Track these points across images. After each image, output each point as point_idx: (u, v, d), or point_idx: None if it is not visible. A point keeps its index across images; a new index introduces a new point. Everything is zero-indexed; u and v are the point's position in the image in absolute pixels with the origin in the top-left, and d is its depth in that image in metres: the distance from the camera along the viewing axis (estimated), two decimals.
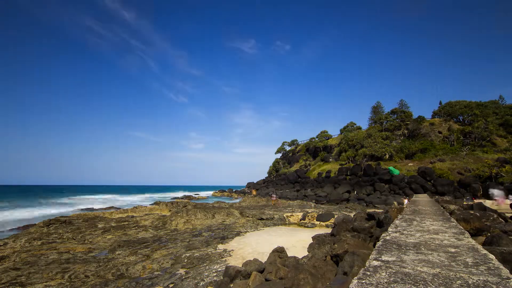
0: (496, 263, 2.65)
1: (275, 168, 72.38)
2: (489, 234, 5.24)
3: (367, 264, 2.66)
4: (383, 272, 2.36)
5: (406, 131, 50.74)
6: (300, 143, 76.93)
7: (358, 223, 8.04)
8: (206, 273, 8.12)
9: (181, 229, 15.93)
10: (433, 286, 2.00)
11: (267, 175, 75.50)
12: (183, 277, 7.88)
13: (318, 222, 17.20)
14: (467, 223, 5.77)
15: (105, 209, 31.26)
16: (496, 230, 5.42)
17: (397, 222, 5.80)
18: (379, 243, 3.59)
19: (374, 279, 2.18)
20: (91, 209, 31.06)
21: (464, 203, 15.78)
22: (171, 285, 7.33)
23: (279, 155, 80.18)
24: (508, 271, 2.38)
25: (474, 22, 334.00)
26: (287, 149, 79.40)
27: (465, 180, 30.79)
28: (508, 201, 17.95)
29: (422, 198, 17.79)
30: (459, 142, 41.28)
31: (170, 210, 25.26)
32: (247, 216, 19.42)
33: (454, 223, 5.60)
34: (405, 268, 2.48)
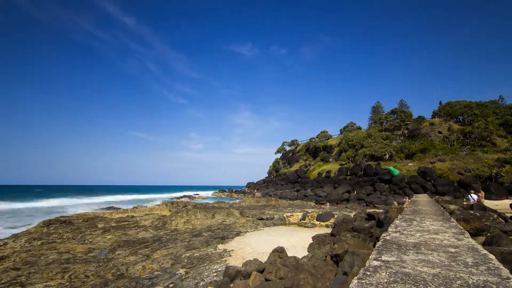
0: (496, 263, 2.65)
1: (275, 168, 72.38)
2: (489, 234, 5.24)
3: (367, 264, 2.65)
4: (383, 272, 2.36)
5: (406, 131, 50.75)
6: (300, 143, 76.95)
7: (358, 223, 8.04)
8: (206, 273, 8.12)
9: (181, 229, 15.93)
10: (433, 286, 2.00)
11: (267, 175, 75.52)
12: (183, 277, 7.88)
13: (318, 222, 17.20)
14: (467, 223, 5.77)
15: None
16: (496, 230, 5.41)
17: (397, 222, 5.79)
18: (379, 243, 3.59)
19: (374, 279, 2.18)
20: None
21: (465, 202, 15.77)
22: (171, 285, 7.33)
23: (279, 155, 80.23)
24: (508, 271, 2.38)
25: (474, 22, 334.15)
26: (287, 149, 79.42)
27: (465, 180, 30.79)
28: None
29: (422, 198, 17.79)
30: (459, 142, 41.28)
31: (170, 210, 25.26)
32: (247, 216, 19.42)
33: (454, 223, 5.60)
34: (405, 268, 2.48)
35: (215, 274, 8.01)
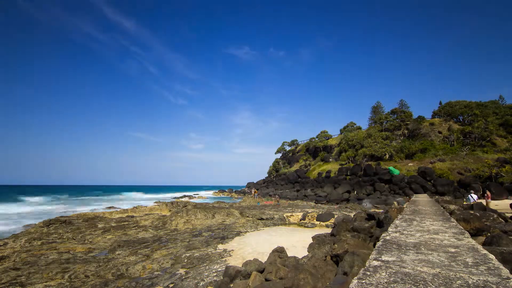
0: (496, 263, 2.65)
1: (275, 168, 72.38)
2: (489, 234, 5.24)
3: (367, 264, 2.65)
4: (383, 272, 2.36)
5: (406, 131, 50.75)
6: (300, 143, 76.95)
7: (358, 223, 8.04)
8: (206, 273, 8.12)
9: (181, 229, 15.93)
10: (433, 286, 2.00)
11: (267, 175, 75.52)
12: (183, 277, 7.87)
13: (318, 222, 17.19)
14: (467, 223, 5.77)
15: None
16: (496, 230, 5.41)
17: (397, 222, 5.79)
18: (379, 243, 3.59)
19: (374, 279, 2.18)
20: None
21: (465, 202, 15.76)
22: (171, 285, 7.33)
23: (279, 155, 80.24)
24: (508, 271, 2.38)
25: (474, 22, 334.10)
26: (287, 149, 79.42)
27: (465, 180, 30.80)
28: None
29: (422, 198, 17.78)
30: (459, 142, 41.27)
31: (170, 210, 25.26)
32: (247, 216, 19.41)
33: (454, 223, 5.60)
34: (405, 268, 2.48)
35: (215, 274, 8.01)
